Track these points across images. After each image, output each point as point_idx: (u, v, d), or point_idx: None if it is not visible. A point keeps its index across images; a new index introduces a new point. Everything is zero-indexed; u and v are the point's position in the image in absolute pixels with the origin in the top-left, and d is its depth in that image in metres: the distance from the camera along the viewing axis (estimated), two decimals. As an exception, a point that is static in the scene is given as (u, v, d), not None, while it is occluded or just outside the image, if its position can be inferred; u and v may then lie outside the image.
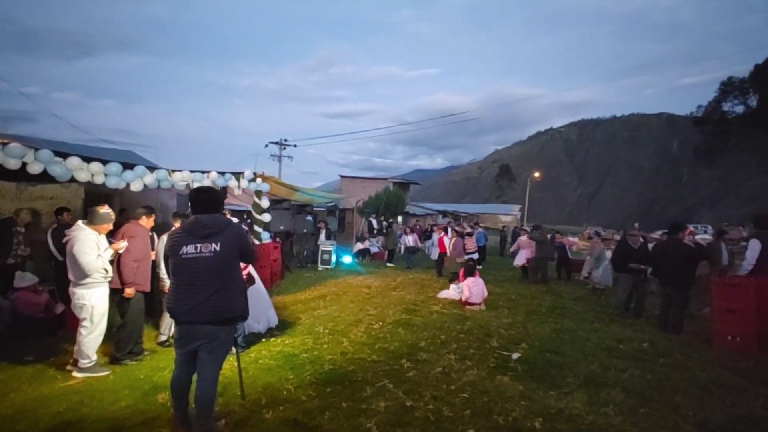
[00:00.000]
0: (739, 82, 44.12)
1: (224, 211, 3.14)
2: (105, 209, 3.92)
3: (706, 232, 26.38)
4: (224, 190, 6.08)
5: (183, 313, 2.59)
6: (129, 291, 4.13)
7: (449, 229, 12.03)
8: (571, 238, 13.46)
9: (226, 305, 2.61)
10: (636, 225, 9.08)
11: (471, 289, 7.04)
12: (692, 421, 3.13)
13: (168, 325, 4.83)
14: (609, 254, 8.64)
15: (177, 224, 4.86)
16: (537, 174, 54.44)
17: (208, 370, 2.66)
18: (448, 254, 10.30)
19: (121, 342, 4.19)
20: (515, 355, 4.51)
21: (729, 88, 44.92)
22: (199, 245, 2.58)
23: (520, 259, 11.27)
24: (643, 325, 6.21)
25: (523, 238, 11.62)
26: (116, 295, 4.17)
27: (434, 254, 13.11)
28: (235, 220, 5.64)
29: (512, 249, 12.67)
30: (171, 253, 2.67)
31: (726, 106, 45.30)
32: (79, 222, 3.84)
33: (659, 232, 8.86)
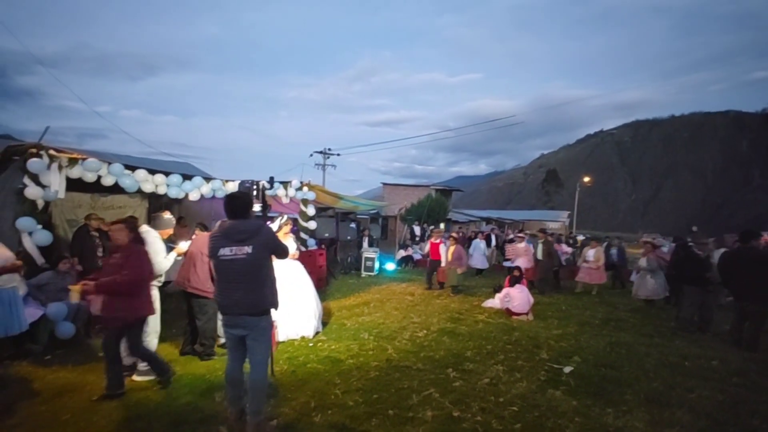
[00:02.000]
0: (820, 74, 39.82)
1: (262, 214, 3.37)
2: (168, 215, 4.23)
3: (783, 240, 23.90)
4: (262, 194, 6.33)
5: (226, 306, 2.96)
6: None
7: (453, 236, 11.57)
8: (564, 246, 12.11)
9: (261, 299, 2.94)
10: (694, 229, 8.22)
11: (515, 297, 6.84)
12: (773, 448, 2.85)
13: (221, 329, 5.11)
14: (645, 262, 8.09)
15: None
16: (586, 179, 51.90)
17: (256, 356, 2.97)
18: (444, 263, 9.24)
19: (206, 342, 4.57)
20: (567, 369, 4.32)
21: (808, 81, 40.66)
22: (234, 248, 2.88)
23: None
24: (711, 341, 5.72)
25: (520, 245, 10.60)
26: (195, 300, 4.50)
27: (475, 262, 12.77)
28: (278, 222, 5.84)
29: (507, 257, 11.24)
30: (211, 254, 3.01)
31: (804, 101, 41.01)
32: (145, 226, 4.14)
33: (709, 240, 8.02)
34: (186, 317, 4.76)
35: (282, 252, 3.25)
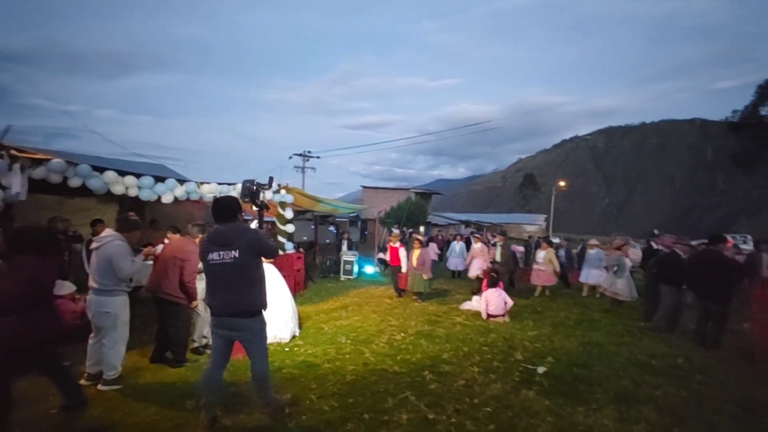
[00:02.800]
0: (778, 84, 42.13)
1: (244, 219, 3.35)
2: (133, 216, 4.08)
3: (745, 242, 25.09)
4: (253, 194, 6.29)
5: (216, 307, 3.06)
6: (195, 303, 4.54)
7: (427, 239, 11.23)
8: (518, 246, 11.99)
9: (250, 301, 3.02)
10: (656, 232, 8.46)
11: (491, 299, 6.93)
12: (732, 442, 2.97)
13: (199, 333, 4.99)
14: (628, 262, 8.33)
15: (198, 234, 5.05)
16: (562, 183, 53.22)
17: (254, 352, 3.08)
18: (406, 268, 8.74)
19: (177, 349, 4.49)
20: (541, 369, 4.40)
21: (766, 91, 42.92)
22: (221, 252, 2.96)
23: (473, 270, 10.27)
24: (678, 340, 5.94)
25: (477, 246, 10.47)
26: (168, 306, 4.40)
27: (452, 264, 12.85)
28: (253, 225, 5.76)
29: (468, 260, 11.04)
30: (201, 258, 3.10)
31: (764, 110, 43.21)
32: (108, 229, 3.97)
33: (696, 242, 8.33)
34: (157, 324, 4.63)
35: (269, 253, 3.38)
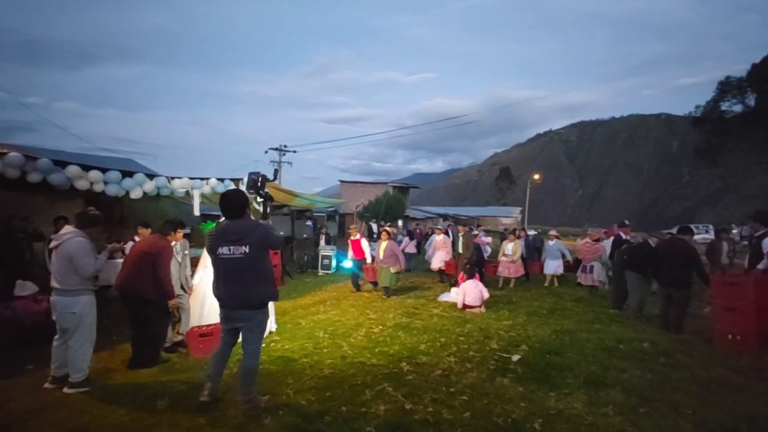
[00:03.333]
0: (737, 81, 44.04)
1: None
2: (94, 211, 3.85)
3: (707, 231, 26.33)
4: (258, 185, 6.29)
5: (224, 299, 3.17)
6: (173, 303, 4.44)
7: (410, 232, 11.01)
8: (484, 238, 11.98)
9: (257, 294, 3.15)
10: (626, 222, 8.75)
11: (468, 290, 7.04)
12: (692, 420, 3.12)
13: (184, 328, 4.88)
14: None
15: (177, 234, 4.89)
16: (537, 176, 54.51)
17: (249, 345, 3.21)
18: (370, 261, 8.58)
19: (150, 349, 4.33)
20: (515, 357, 4.51)
21: (727, 87, 44.86)
22: (231, 247, 3.07)
23: (436, 262, 10.18)
24: (644, 325, 6.19)
25: (439, 238, 10.29)
26: (148, 307, 4.26)
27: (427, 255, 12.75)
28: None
29: (430, 252, 10.78)
30: (210, 252, 3.19)
31: (724, 106, 45.19)
32: (68, 226, 3.78)
33: (664, 232, 8.69)
34: (129, 325, 4.48)
35: (277, 245, 3.63)
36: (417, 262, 14.00)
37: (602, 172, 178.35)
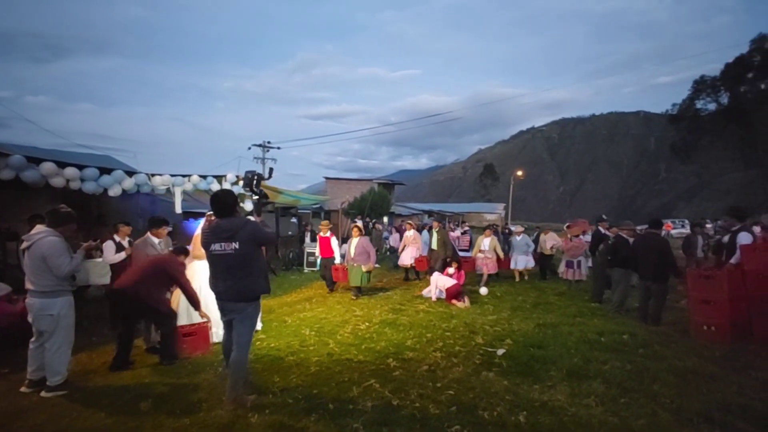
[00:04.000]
0: (711, 80, 45.46)
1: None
2: (65, 208, 3.71)
3: (683, 226, 27.15)
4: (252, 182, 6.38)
5: (219, 293, 3.35)
6: (202, 312, 4.58)
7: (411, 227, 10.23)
8: (452, 233, 11.88)
9: (249, 288, 3.30)
10: (604, 217, 8.93)
11: (438, 280, 7.39)
12: (670, 408, 3.23)
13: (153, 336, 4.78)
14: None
15: (161, 231, 4.83)
16: (520, 173, 55.18)
17: (239, 336, 3.33)
18: (339, 260, 8.13)
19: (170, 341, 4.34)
20: (500, 351, 4.57)
21: (701, 86, 46.25)
22: (222, 244, 3.22)
23: (406, 258, 9.85)
24: (624, 318, 6.36)
25: (409, 234, 9.95)
26: (147, 312, 4.30)
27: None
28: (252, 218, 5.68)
29: (400, 248, 10.37)
30: (204, 247, 3.35)
31: (699, 104, 46.61)
32: (39, 226, 3.64)
33: (642, 227, 8.92)
34: (117, 325, 4.39)
35: (269, 240, 3.71)
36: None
37: (583, 169, 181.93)
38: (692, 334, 5.25)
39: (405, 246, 10.07)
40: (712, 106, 45.65)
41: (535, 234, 12.52)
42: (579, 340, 5.03)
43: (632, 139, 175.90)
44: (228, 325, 3.47)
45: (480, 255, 9.57)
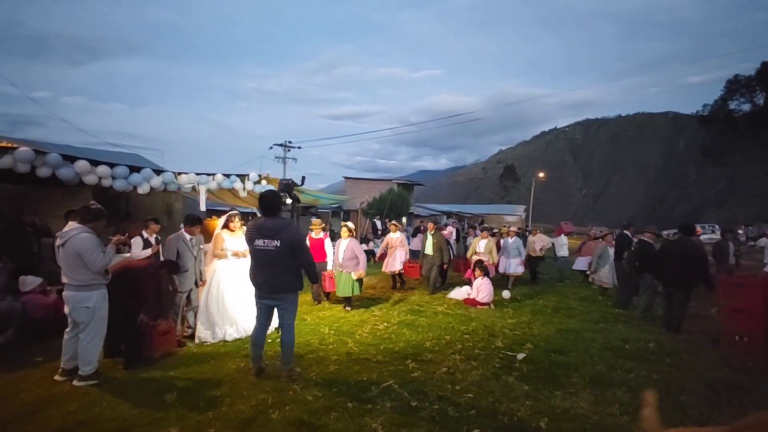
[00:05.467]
0: (746, 80, 43.55)
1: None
2: (96, 205, 3.85)
3: (713, 231, 26.16)
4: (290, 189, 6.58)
5: (260, 284, 3.73)
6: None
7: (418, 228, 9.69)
8: (445, 232, 11.01)
9: (286, 283, 3.69)
10: (625, 223, 8.64)
11: (483, 289, 7.12)
12: (699, 420, 3.12)
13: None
14: (611, 251, 8.48)
15: (195, 229, 4.96)
16: (541, 174, 54.23)
17: (285, 321, 3.83)
18: (331, 267, 7.00)
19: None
20: (520, 356, 4.51)
21: (735, 86, 44.37)
22: (266, 240, 3.61)
23: (394, 264, 8.56)
24: (650, 325, 6.17)
25: (395, 235, 8.64)
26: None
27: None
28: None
29: (379, 252, 9.28)
30: (248, 242, 3.74)
31: (732, 105, 44.73)
32: (72, 223, 3.78)
33: (669, 232, 8.64)
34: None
35: (302, 254, 3.77)
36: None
37: (607, 171, 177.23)
38: (723, 344, 5.06)
39: (393, 249, 8.60)
40: (746, 107, 43.75)
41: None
42: (602, 347, 4.92)
43: (660, 141, 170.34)
44: (265, 316, 3.83)
45: (476, 257, 8.68)
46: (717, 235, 18.54)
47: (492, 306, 7.04)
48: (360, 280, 6.78)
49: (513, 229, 10.44)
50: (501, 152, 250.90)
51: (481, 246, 8.82)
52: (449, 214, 34.88)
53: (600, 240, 9.52)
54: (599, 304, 7.68)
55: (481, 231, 9.76)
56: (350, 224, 7.41)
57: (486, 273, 7.43)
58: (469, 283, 7.83)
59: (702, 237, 23.98)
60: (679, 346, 5.06)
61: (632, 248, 7.17)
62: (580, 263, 10.14)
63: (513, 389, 3.63)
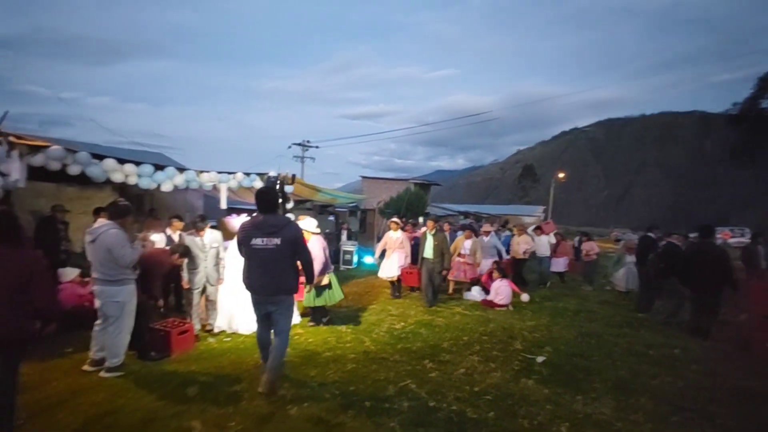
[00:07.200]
0: (778, 77, 41.82)
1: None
2: (124, 201, 3.98)
3: (743, 235, 25.21)
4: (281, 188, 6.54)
5: (255, 287, 3.46)
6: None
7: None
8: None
9: (285, 283, 3.46)
10: (651, 227, 8.37)
11: (502, 291, 7.04)
12: (728, 431, 3.01)
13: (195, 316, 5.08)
14: (630, 258, 8.23)
15: (207, 227, 5.08)
16: (561, 174, 53.11)
17: (280, 325, 3.53)
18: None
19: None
20: (540, 359, 4.44)
21: (766, 83, 42.66)
22: (265, 239, 3.35)
23: (391, 269, 7.56)
24: (674, 330, 5.99)
25: (395, 234, 7.66)
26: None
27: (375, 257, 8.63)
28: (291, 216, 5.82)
29: (377, 253, 7.97)
30: (243, 242, 3.43)
31: (764, 103, 42.99)
32: (101, 219, 3.90)
33: (692, 235, 8.33)
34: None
35: (302, 252, 3.56)
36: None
37: (630, 172, 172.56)
38: (753, 352, 4.87)
39: (392, 251, 7.59)
40: (778, 106, 41.93)
41: (576, 239, 12.03)
42: (625, 352, 4.80)
43: (686, 141, 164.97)
44: (264, 319, 3.57)
45: (459, 259, 7.84)
46: (747, 239, 17.85)
47: (510, 308, 6.96)
48: (328, 288, 5.61)
49: (487, 227, 9.12)
50: (519, 152, 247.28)
51: (465, 247, 7.91)
52: (466, 214, 34.59)
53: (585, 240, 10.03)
54: (621, 308, 7.49)
55: (465, 230, 8.55)
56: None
57: (504, 275, 7.34)
58: (484, 288, 7.72)
59: (731, 241, 23.21)
60: (706, 353, 4.90)
61: (659, 250, 6.97)
62: (557, 264, 9.83)
63: (532, 393, 3.58)
